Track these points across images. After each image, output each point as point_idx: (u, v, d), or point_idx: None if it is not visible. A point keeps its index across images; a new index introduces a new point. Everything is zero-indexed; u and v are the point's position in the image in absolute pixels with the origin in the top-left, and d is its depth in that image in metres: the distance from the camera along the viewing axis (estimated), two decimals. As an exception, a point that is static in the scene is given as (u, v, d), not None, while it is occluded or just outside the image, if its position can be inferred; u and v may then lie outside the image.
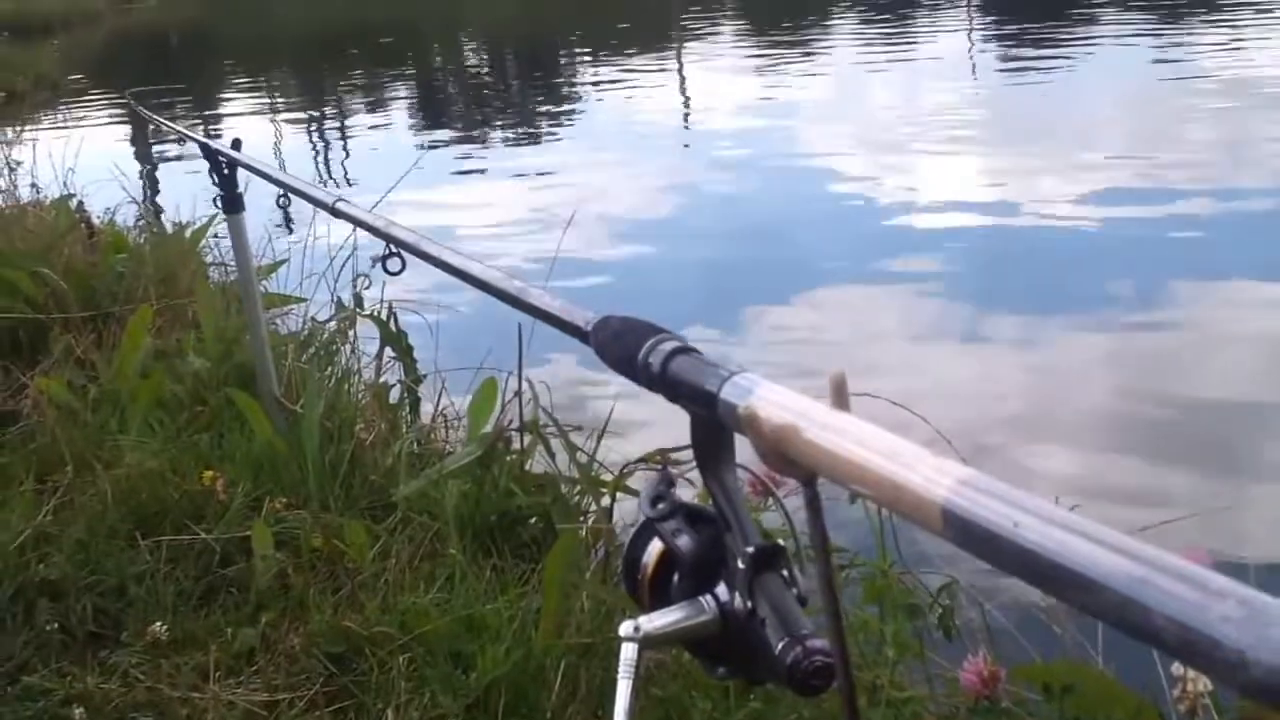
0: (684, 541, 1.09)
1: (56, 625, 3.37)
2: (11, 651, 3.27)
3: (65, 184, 7.41)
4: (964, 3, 24.40)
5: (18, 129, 9.05)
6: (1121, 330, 6.61)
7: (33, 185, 7.87)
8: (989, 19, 22.24)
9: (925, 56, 18.26)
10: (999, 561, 0.68)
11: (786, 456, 0.88)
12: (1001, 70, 16.13)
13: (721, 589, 1.06)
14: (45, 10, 34.87)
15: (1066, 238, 8.45)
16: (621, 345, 1.15)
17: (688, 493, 1.18)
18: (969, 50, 18.47)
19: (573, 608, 3.22)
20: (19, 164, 8.14)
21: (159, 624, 3.33)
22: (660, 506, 1.11)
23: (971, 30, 20.87)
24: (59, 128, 14.25)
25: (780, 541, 1.06)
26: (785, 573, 1.03)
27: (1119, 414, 5.70)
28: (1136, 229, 8.42)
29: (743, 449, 1.03)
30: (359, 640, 3.23)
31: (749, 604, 1.02)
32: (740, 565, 1.03)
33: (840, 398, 0.86)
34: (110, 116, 16.35)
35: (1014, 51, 17.66)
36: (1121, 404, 5.79)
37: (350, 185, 12.67)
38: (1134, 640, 0.60)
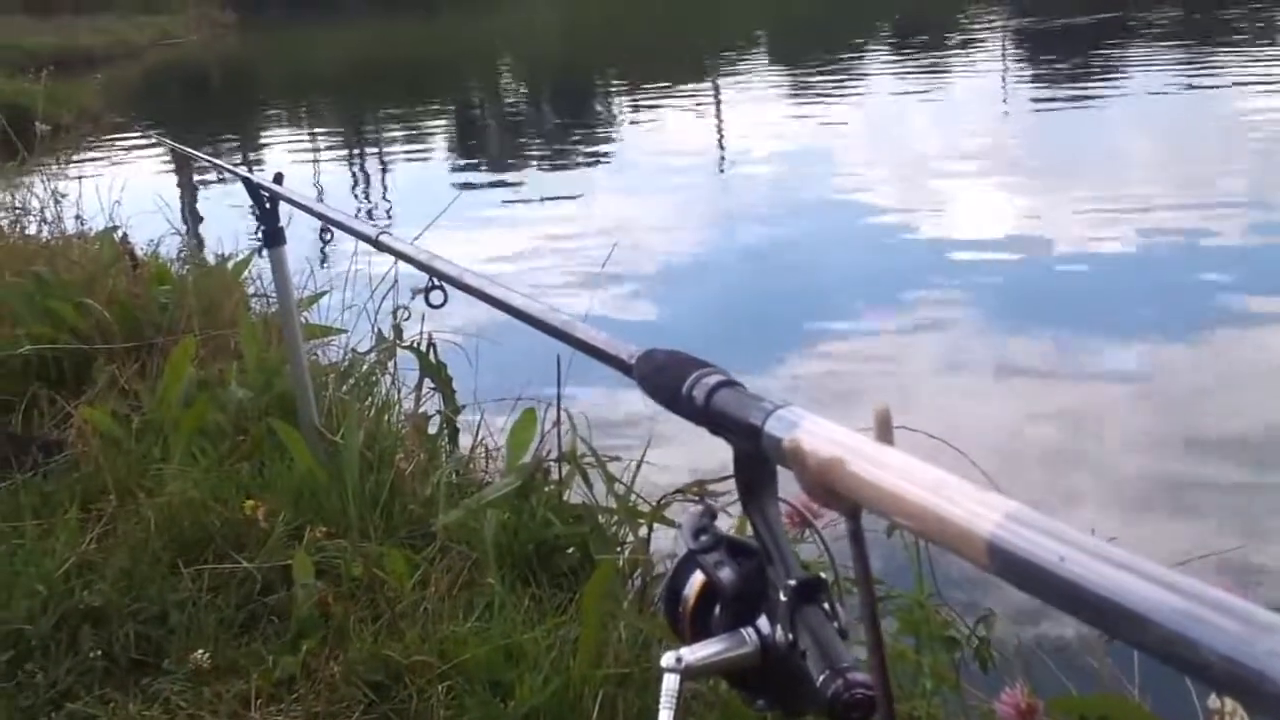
0: (726, 574, 1.10)
1: (100, 652, 3.39)
2: (55, 678, 3.29)
3: (110, 216, 7.45)
4: (998, 37, 24.37)
5: (62, 162, 9.10)
6: (1155, 365, 6.59)
7: (77, 217, 7.91)
8: (1023, 53, 22.20)
9: (959, 91, 18.24)
10: (1045, 595, 0.69)
11: (831, 489, 0.88)
12: (1036, 104, 16.09)
13: (763, 621, 1.07)
14: (87, 44, 35.16)
15: (1102, 272, 8.44)
16: (665, 378, 1.16)
17: (724, 523, 1.19)
18: (1003, 85, 18.44)
19: (610, 637, 3.23)
20: (64, 196, 8.19)
21: (201, 651, 3.34)
22: (703, 539, 1.12)
23: (1006, 65, 20.82)
24: (102, 161, 14.35)
25: (821, 574, 1.07)
26: (826, 605, 1.04)
27: (1153, 449, 5.68)
28: (1172, 265, 8.40)
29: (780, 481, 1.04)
30: (398, 668, 3.24)
31: (790, 636, 1.02)
32: (782, 598, 1.03)
33: (884, 431, 0.87)
34: (154, 150, 16.44)
35: (1048, 86, 17.63)
36: (1155, 439, 5.77)
37: (389, 218, 12.73)
38: (1178, 673, 0.60)
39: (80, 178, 8.27)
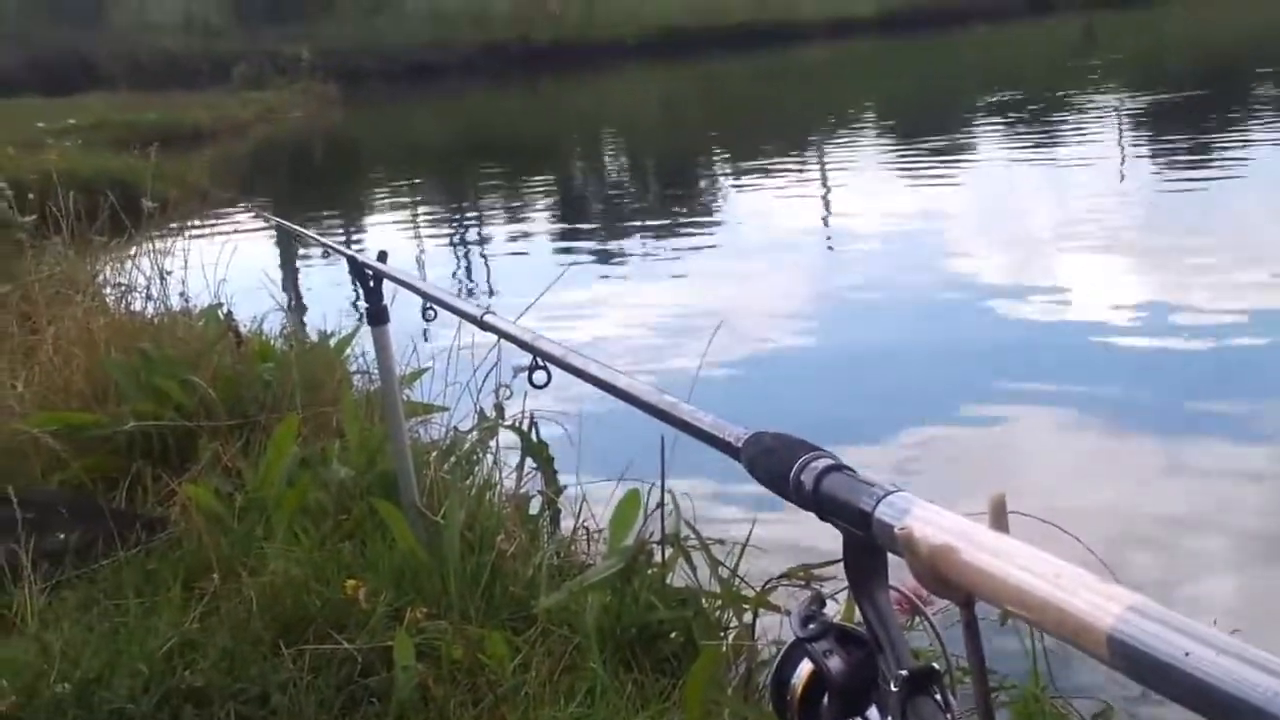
0: (835, 663, 1.07)
1: (201, 733, 3.40)
2: (157, 758, 3.30)
3: (215, 293, 7.53)
4: (1112, 112, 24.19)
5: (169, 238, 9.20)
6: (1277, 449, 6.45)
7: (182, 294, 7.99)
8: (1139, 128, 21.97)
9: (1073, 166, 18.03)
10: (1168, 691, 0.67)
11: (944, 578, 0.86)
12: (1155, 180, 15.86)
13: (873, 712, 1.05)
14: (192, 120, 35.65)
15: (1221, 351, 8.27)
16: (773, 462, 1.14)
17: (831, 609, 1.16)
18: (1120, 160, 18.23)
19: (714, 725, 3.19)
20: (169, 273, 8.28)
21: (301, 733, 3.34)
22: (811, 626, 1.10)
23: (1122, 140, 20.58)
24: (208, 237, 14.53)
25: (933, 664, 1.04)
26: (939, 696, 1.01)
27: (1274, 536, 5.56)
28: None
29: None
30: (499, 753, 3.23)
31: (902, 728, 1.00)
32: (893, 688, 1.01)
33: (999, 519, 0.85)
34: (258, 226, 16.63)
35: (1167, 161, 17.37)
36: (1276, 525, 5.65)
37: (490, 287, 12.86)
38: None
39: (186, 254, 8.34)
